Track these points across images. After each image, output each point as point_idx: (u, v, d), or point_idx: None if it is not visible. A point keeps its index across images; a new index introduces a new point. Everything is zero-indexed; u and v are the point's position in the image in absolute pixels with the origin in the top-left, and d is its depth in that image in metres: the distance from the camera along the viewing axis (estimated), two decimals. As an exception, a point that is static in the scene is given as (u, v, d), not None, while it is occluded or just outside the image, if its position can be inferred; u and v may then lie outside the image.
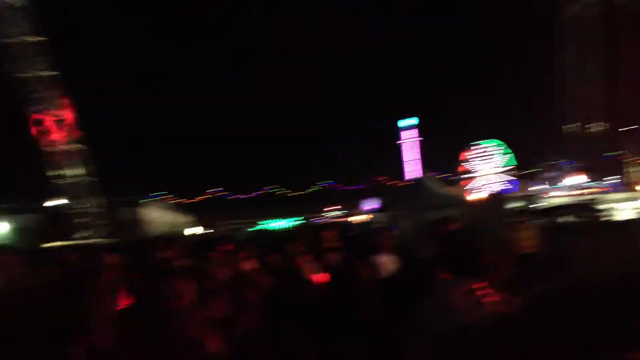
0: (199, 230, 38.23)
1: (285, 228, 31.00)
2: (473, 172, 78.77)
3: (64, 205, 43.27)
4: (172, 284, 2.76)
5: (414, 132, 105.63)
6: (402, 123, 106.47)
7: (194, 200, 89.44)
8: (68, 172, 41.38)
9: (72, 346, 3.29)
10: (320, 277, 5.15)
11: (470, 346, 1.85)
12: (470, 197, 61.38)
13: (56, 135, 40.24)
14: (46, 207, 46.33)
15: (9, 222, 42.34)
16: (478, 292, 1.95)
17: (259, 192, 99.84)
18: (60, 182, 41.57)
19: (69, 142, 40.59)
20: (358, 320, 3.00)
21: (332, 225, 8.83)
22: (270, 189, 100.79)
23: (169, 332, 2.43)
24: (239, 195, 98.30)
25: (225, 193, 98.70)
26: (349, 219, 57.77)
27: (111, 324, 3.17)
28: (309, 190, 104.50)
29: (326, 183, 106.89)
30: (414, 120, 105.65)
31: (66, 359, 3.31)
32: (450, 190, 67.32)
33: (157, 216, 55.78)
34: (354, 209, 68.91)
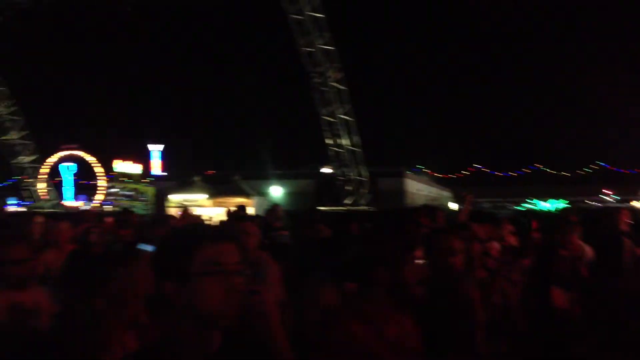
0: (456, 205, 38.14)
1: (551, 210, 29.41)
2: None
3: (333, 172, 46.56)
4: (446, 240, 2.90)
5: None
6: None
7: (455, 176, 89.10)
8: (337, 141, 44.24)
9: None
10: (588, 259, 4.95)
11: None
12: None
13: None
14: (318, 173, 50.59)
15: (285, 186, 47.15)
16: None
17: (522, 171, 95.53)
18: (331, 150, 44.67)
19: (339, 113, 43.27)
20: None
21: (624, 209, 8.17)
22: (534, 168, 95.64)
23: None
24: (501, 173, 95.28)
25: (488, 170, 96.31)
26: (623, 205, 52.29)
27: None
28: (578, 170, 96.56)
29: (601, 164, 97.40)
30: None
31: None
32: None
33: (417, 188, 57.04)
34: (631, 195, 61.89)
